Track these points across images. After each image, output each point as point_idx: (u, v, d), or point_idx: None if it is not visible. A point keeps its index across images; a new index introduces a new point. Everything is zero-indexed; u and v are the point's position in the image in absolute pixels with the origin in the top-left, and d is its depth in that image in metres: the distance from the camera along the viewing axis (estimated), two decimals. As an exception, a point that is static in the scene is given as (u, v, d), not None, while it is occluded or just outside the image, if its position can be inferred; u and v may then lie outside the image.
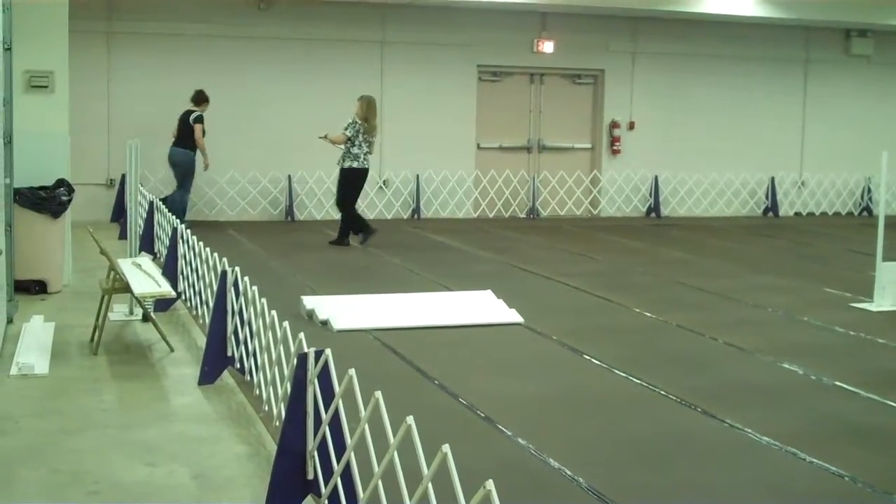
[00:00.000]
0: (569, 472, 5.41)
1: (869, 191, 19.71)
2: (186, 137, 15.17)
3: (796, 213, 19.59)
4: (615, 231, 16.42)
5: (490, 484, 3.11)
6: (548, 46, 18.04)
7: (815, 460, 5.69)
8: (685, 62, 18.91)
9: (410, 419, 3.65)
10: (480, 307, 9.45)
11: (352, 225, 14.03)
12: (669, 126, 18.89)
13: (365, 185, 14.15)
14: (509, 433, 6.05)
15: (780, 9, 17.67)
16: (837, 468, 5.56)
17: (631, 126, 18.64)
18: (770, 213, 19.30)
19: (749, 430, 6.19)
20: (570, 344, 8.39)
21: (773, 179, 19.31)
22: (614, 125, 18.59)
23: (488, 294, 9.79)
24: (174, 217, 10.42)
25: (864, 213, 19.47)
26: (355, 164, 13.66)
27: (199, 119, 15.19)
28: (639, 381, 7.30)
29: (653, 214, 18.60)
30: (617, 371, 7.58)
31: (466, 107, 17.86)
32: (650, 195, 18.71)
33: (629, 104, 18.65)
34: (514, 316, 9.21)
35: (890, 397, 7.00)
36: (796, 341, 8.82)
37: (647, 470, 5.57)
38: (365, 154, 13.73)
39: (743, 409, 6.70)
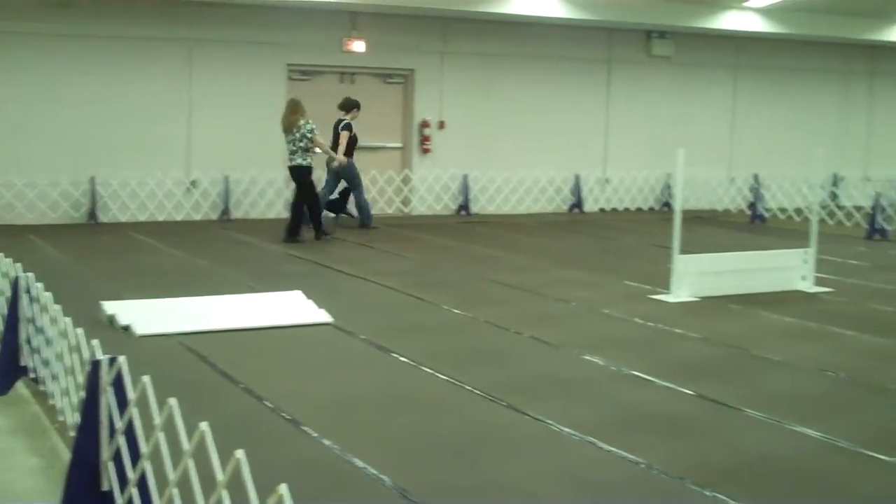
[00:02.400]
0: (373, 472, 5.42)
1: (669, 187, 20.42)
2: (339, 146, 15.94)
3: (601, 209, 20.15)
4: (426, 229, 16.55)
5: (283, 488, 3.08)
6: (358, 46, 18.02)
7: (612, 449, 5.87)
8: (494, 62, 19.20)
9: (204, 425, 3.59)
10: (289, 308, 9.37)
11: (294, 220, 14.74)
12: (479, 125, 19.15)
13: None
14: (314, 434, 6.01)
15: (584, 10, 18.13)
16: (634, 456, 5.75)
17: (441, 125, 18.81)
18: (576, 210, 19.79)
19: (551, 422, 6.34)
20: (379, 343, 8.41)
21: (578, 177, 19.81)
22: (425, 124, 18.73)
23: (297, 294, 9.72)
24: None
25: (665, 208, 20.16)
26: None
27: (346, 126, 15.98)
28: (446, 378, 7.38)
29: (463, 212, 18.82)
30: (424, 368, 7.64)
31: (276, 106, 17.62)
32: (460, 193, 18.93)
33: (439, 104, 18.81)
34: (323, 316, 9.17)
35: (685, 385, 7.28)
36: (598, 334, 9.08)
37: (452, 466, 5.63)
38: (289, 153, 14.83)
39: (545, 401, 6.85)
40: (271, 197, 17.56)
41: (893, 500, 5.26)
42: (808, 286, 11.56)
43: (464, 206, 18.89)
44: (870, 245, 16.04)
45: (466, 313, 9.75)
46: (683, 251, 10.89)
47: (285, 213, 17.63)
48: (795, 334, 9.31)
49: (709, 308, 10.38)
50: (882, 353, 8.59)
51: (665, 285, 10.95)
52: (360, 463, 5.54)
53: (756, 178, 19.78)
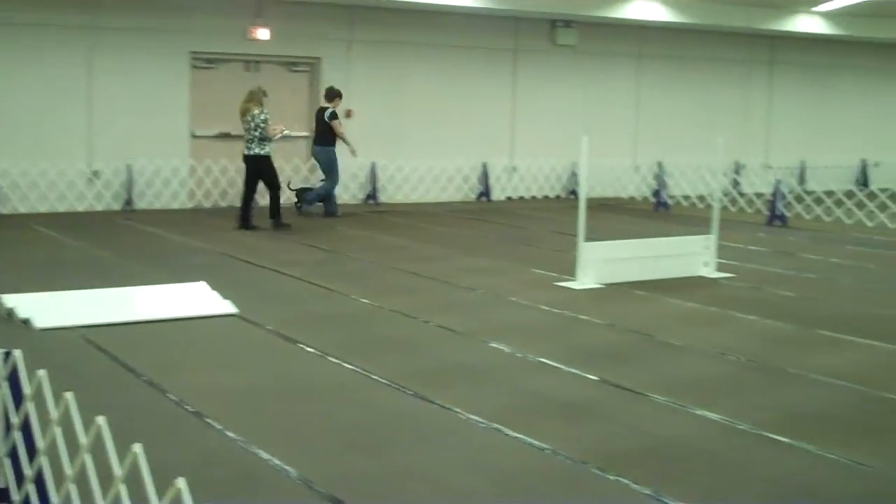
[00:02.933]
0: (278, 463, 5.38)
1: (575, 175, 20.61)
2: (323, 134, 16.75)
3: (508, 198, 20.27)
4: (334, 218, 16.46)
5: (181, 482, 3.03)
6: (263, 34, 17.84)
7: (519, 435, 5.91)
8: (401, 51, 19.17)
9: (101, 419, 3.52)
10: (193, 299, 9.25)
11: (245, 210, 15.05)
12: (387, 114, 19.11)
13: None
14: (218, 427, 5.95)
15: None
16: (539, 442, 5.79)
17: (349, 114, 18.71)
18: (483, 198, 19.88)
19: (458, 410, 6.36)
20: (285, 333, 8.36)
21: (485, 165, 19.90)
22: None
23: (202, 285, 9.60)
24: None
25: (572, 196, 20.35)
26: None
27: (334, 115, 16.70)
28: (352, 368, 7.35)
29: (371, 201, 18.77)
30: (331, 358, 7.61)
31: (179, 94, 17.44)
32: (368, 182, 18.87)
33: (346, 92, 18.69)
34: (227, 307, 9.07)
35: (590, 371, 7.36)
36: (504, 321, 9.13)
37: (359, 456, 5.61)
38: (245, 142, 15.16)
39: (453, 389, 6.87)
40: (175, 187, 17.31)
41: (792, 480, 5.37)
42: (711, 272, 11.77)
43: (372, 195, 18.85)
44: (770, 231, 16.38)
45: (373, 302, 9.73)
46: (589, 238, 11.01)
47: (190, 204, 17.44)
48: (698, 319, 9.47)
49: (614, 294, 10.51)
50: (781, 337, 8.77)
51: (571, 272, 11.05)
52: (264, 455, 5.50)
53: (660, 165, 20.09)
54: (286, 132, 15.53)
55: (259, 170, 15.01)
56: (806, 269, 12.56)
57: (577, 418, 6.37)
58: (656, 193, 19.69)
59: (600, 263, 10.99)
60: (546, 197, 20.62)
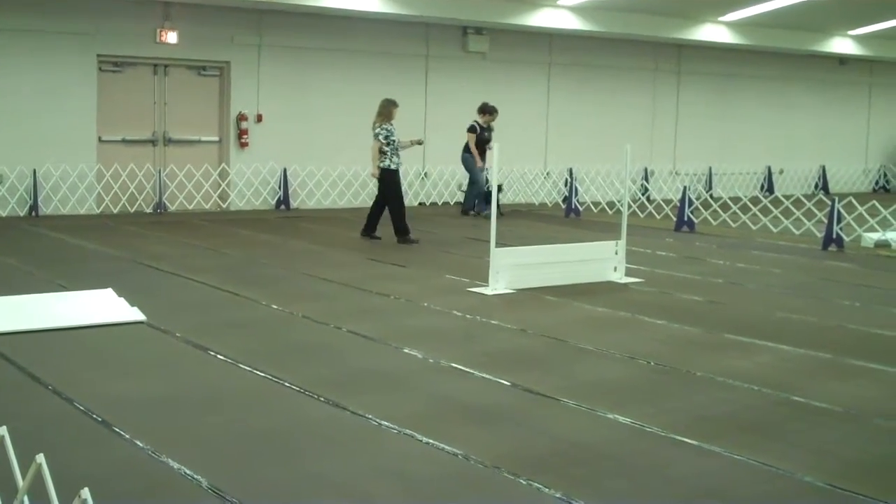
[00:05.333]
0: (189, 472, 5.31)
1: (487, 181, 20.71)
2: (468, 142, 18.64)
3: (421, 204, 20.29)
4: (245, 224, 16.34)
5: (85, 492, 2.97)
6: (171, 37, 17.64)
7: (431, 441, 5.91)
8: (312, 56, 19.09)
9: (3, 429, 3.44)
10: (100, 306, 9.11)
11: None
12: (297, 119, 19.02)
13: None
14: (127, 436, 5.85)
15: (401, 5, 18.21)
16: (451, 447, 5.80)
17: (259, 119, 18.59)
18: (396, 204, 19.86)
19: (370, 416, 6.34)
20: (195, 340, 8.25)
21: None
22: (241, 118, 18.48)
23: (109, 292, 9.46)
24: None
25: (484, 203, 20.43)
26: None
27: (471, 128, 18.69)
28: (264, 375, 7.29)
29: (282, 207, 18.66)
30: (242, 365, 7.53)
31: (86, 98, 17.15)
32: (279, 188, 18.75)
33: (256, 97, 18.59)
34: (135, 314, 8.94)
35: (501, 376, 7.39)
36: (417, 327, 9.13)
37: (271, 464, 5.56)
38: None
39: (365, 395, 6.84)
40: (82, 192, 17.01)
41: (701, 483, 5.45)
42: (620, 277, 11.92)
43: (283, 201, 18.73)
44: (678, 237, 16.64)
45: (285, 309, 9.66)
46: (501, 244, 11.07)
47: (98, 209, 17.14)
48: (608, 324, 9.58)
49: (525, 300, 10.58)
50: (689, 341, 8.91)
51: (483, 278, 11.10)
52: (174, 464, 5.42)
53: (571, 172, 20.27)
54: (400, 143, 15.02)
55: (381, 181, 14.82)
56: (713, 273, 12.78)
57: (489, 423, 6.40)
58: (567, 200, 19.87)
59: (512, 269, 11.06)
60: (458, 203, 20.67)
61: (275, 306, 9.78)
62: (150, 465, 5.45)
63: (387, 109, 14.76)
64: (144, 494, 5.07)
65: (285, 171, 18.67)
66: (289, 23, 18.62)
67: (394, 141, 14.63)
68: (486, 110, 18.73)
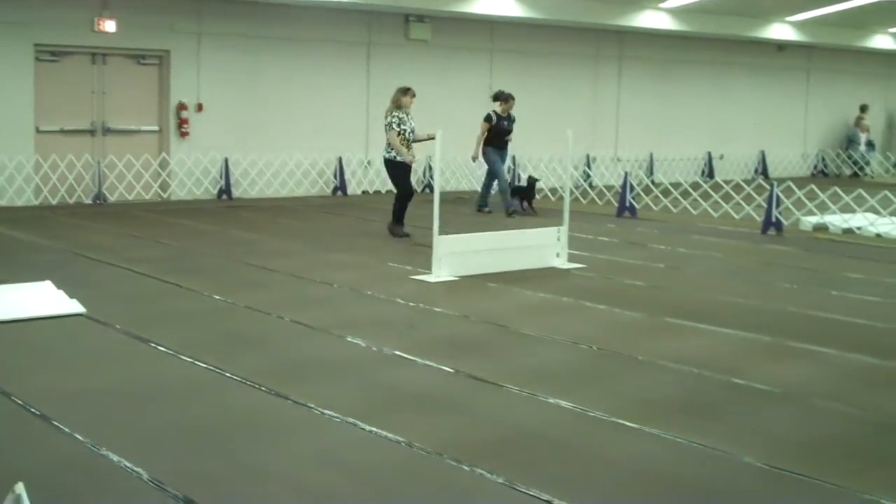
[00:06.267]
0: (129, 465, 5.26)
1: (430, 168, 20.69)
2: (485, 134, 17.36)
3: (364, 192, 20.23)
4: (186, 214, 16.19)
5: (19, 487, 2.93)
6: (110, 26, 17.39)
7: (374, 429, 5.90)
8: (253, 44, 18.92)
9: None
10: (38, 299, 8.97)
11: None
12: (239, 108, 18.85)
13: None
14: (66, 430, 5.78)
15: (343, -8, 18.14)
16: (395, 435, 5.80)
17: (199, 108, 18.41)
18: (339, 193, 19.80)
19: (312, 405, 6.32)
20: (135, 332, 8.16)
21: (340, 159, 19.82)
22: (182, 107, 18.28)
23: (47, 284, 9.33)
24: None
25: (427, 190, 20.40)
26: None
27: (487, 117, 17.36)
28: (205, 366, 7.23)
29: (224, 196, 18.51)
30: (183, 357, 7.46)
31: (23, 88, 16.86)
32: (221, 177, 18.60)
33: (196, 86, 18.40)
34: (74, 306, 8.82)
35: (444, 363, 7.40)
36: (360, 315, 9.11)
37: (213, 455, 5.52)
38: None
39: (308, 384, 6.82)
40: (20, 183, 16.75)
41: (640, 464, 5.50)
42: (563, 263, 11.97)
43: (225, 191, 18.58)
44: (619, 222, 16.74)
45: (227, 299, 9.59)
46: (444, 231, 11.07)
47: (36, 201, 16.89)
48: (550, 309, 9.62)
49: (468, 287, 10.59)
50: (631, 326, 8.98)
51: (427, 266, 11.09)
52: (115, 457, 5.36)
53: (513, 159, 20.29)
54: (415, 136, 14.19)
55: (388, 173, 14.39)
56: (655, 258, 12.87)
57: (431, 410, 6.40)
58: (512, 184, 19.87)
59: (455, 256, 11.06)
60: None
61: (216, 296, 9.71)
62: (90, 459, 5.39)
63: (397, 97, 14.17)
64: (84, 489, 5.01)
65: (227, 160, 18.52)
66: (230, 11, 18.44)
67: (404, 131, 13.95)
68: (502, 98, 17.46)
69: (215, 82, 18.49)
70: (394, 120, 13.97)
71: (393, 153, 14.03)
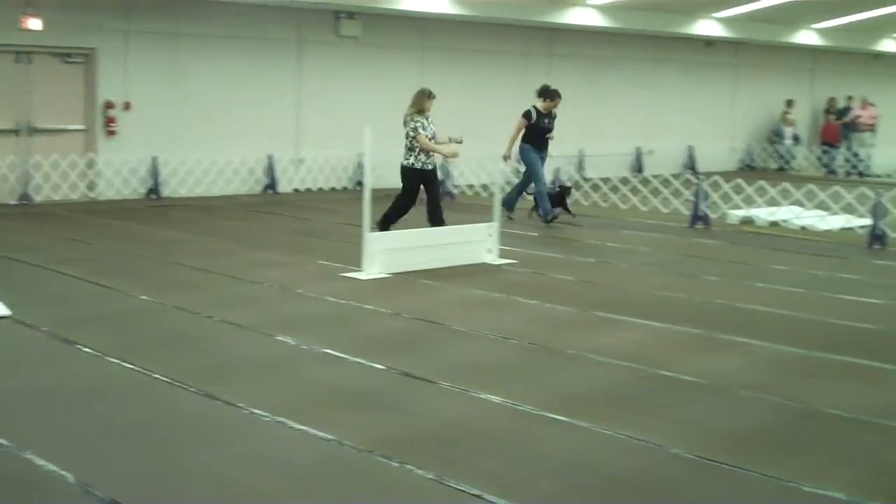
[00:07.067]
0: (54, 468, 5.19)
1: (362, 166, 20.63)
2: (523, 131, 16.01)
3: (295, 190, 20.11)
4: (114, 214, 15.98)
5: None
6: (34, 24, 17.07)
7: (303, 427, 5.88)
8: (182, 42, 18.71)
9: None
10: (-39, 302, 8.81)
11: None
12: (168, 106, 18.64)
13: None
14: (-11, 434, 5.69)
15: (271, -10, 18.02)
16: (324, 433, 5.79)
17: (127, 106, 18.17)
18: (270, 191, 19.67)
19: (242, 405, 6.28)
20: (62, 334, 8.05)
21: (271, 157, 19.69)
22: (109, 105, 18.03)
23: (-30, 287, 9.16)
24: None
25: (359, 188, 20.34)
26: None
27: (526, 114, 16.12)
28: (132, 367, 7.15)
29: (153, 196, 18.30)
30: (110, 358, 7.37)
31: (-56, 87, 16.55)
32: (150, 176, 18.39)
33: (124, 84, 18.17)
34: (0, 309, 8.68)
35: (375, 360, 7.39)
36: (290, 314, 9.07)
37: (142, 457, 5.47)
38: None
39: (237, 384, 6.78)
40: (-58, 185, 16.43)
41: (569, 457, 5.54)
42: (494, 259, 12.02)
43: (154, 190, 18.37)
44: (551, 218, 16.81)
45: (155, 299, 9.49)
46: (374, 229, 11.05)
47: (-42, 202, 16.58)
48: (482, 305, 9.66)
49: (400, 283, 10.59)
50: (562, 320, 9.04)
51: (358, 263, 11.07)
52: (39, 461, 5.29)
53: (445, 156, 20.27)
54: (436, 140, 13.46)
55: (402, 180, 13.39)
56: (585, 253, 12.98)
57: (362, 407, 6.40)
58: (442, 182, 19.89)
59: (386, 253, 11.06)
60: (333, 189, 20.57)
61: (145, 297, 9.60)
62: (13, 463, 5.30)
63: (419, 100, 13.37)
64: (6, 493, 4.93)
65: (156, 159, 18.30)
66: (158, 8, 18.23)
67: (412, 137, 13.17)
68: (548, 94, 16.17)
69: (143, 80, 18.27)
70: (417, 125, 13.18)
71: (411, 160, 13.21)
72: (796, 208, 16.57)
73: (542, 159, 16.18)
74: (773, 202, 16.79)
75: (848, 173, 27.05)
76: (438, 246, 11.71)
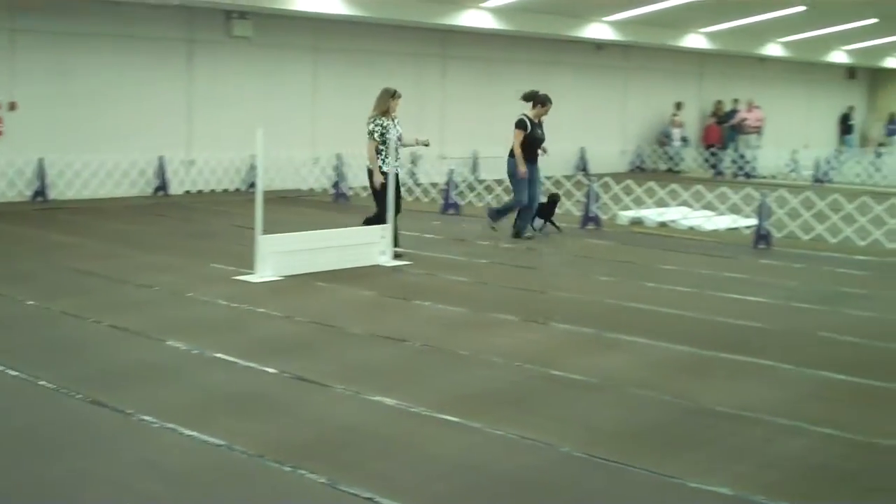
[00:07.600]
0: (-67, 479, 5.04)
1: (254, 167, 20.45)
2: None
3: (186, 192, 19.84)
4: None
5: None
6: (-88, 21, 16.59)
7: (193, 433, 5.81)
8: (69, 41, 18.32)
9: None
10: None
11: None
12: (55, 106, 18.23)
13: None
14: None
15: (161, -11, 17.76)
16: (214, 438, 5.72)
17: (12, 106, 17.72)
18: (161, 193, 19.38)
19: (130, 411, 6.18)
20: (-58, 341, 7.83)
21: (162, 159, 19.39)
22: (-7, 105, 17.59)
23: None
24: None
25: (251, 189, 20.14)
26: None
27: (520, 123, 14.60)
28: (17, 374, 6.98)
29: (40, 198, 17.87)
30: (-7, 365, 7.20)
31: None
32: (36, 178, 17.96)
33: (9, 84, 17.72)
34: None
35: (268, 364, 7.34)
36: (181, 318, 8.95)
37: (28, 465, 5.33)
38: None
39: (125, 390, 6.66)
40: None
41: (461, 458, 5.58)
42: (388, 260, 12.02)
43: (41, 192, 17.94)
44: (444, 219, 16.91)
45: (41, 304, 9.28)
46: (269, 231, 10.97)
47: None
48: (376, 307, 9.66)
49: (293, 286, 10.53)
50: (455, 321, 9.09)
51: (250, 266, 10.97)
52: (-83, 472, 5.14)
53: (339, 157, 20.24)
54: (402, 142, 12.72)
55: (369, 183, 12.71)
56: (478, 255, 13.05)
57: (253, 412, 6.34)
58: (336, 185, 19.86)
59: (279, 256, 10.98)
60: (226, 190, 20.35)
61: (30, 302, 9.38)
62: None
63: (383, 101, 12.54)
64: None
65: (42, 160, 17.88)
66: (45, 6, 17.81)
67: (388, 140, 12.39)
68: (538, 100, 14.81)
69: (30, 80, 17.84)
70: (376, 129, 12.40)
71: (379, 163, 12.46)
72: (684, 209, 16.92)
73: (534, 175, 14.71)
74: (662, 203, 17.12)
75: (735, 174, 27.69)
76: (332, 248, 11.67)
